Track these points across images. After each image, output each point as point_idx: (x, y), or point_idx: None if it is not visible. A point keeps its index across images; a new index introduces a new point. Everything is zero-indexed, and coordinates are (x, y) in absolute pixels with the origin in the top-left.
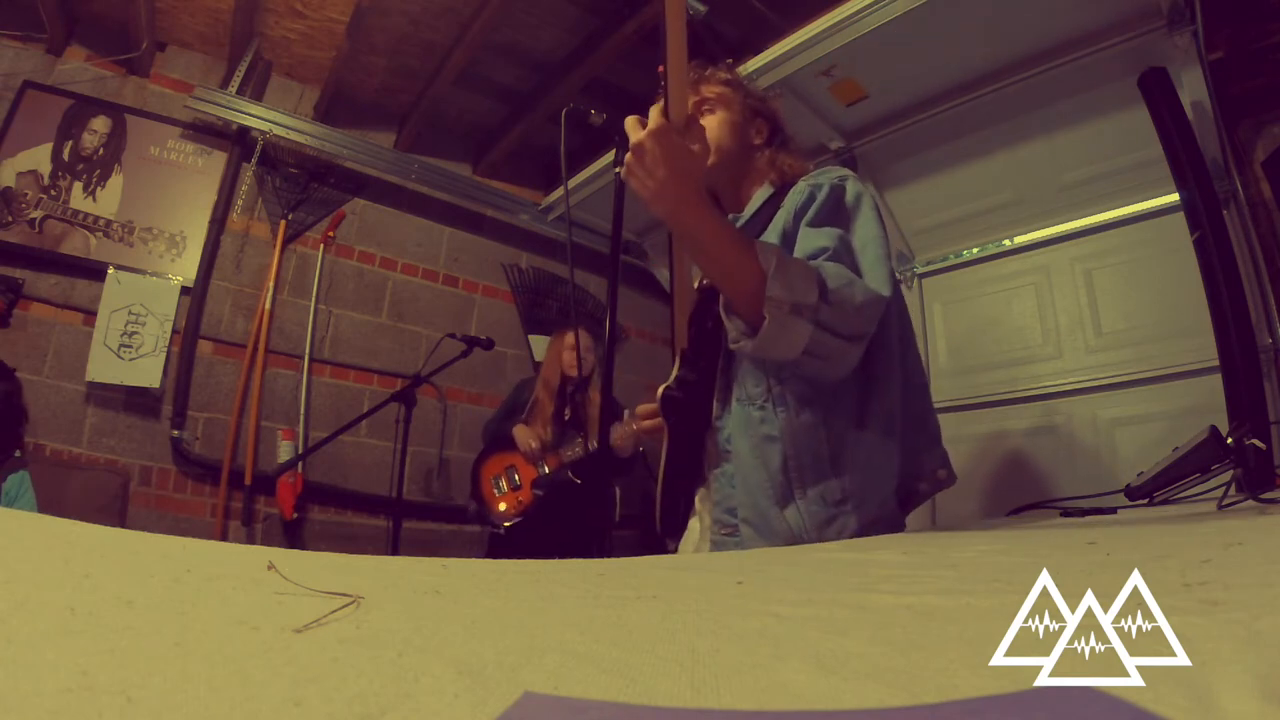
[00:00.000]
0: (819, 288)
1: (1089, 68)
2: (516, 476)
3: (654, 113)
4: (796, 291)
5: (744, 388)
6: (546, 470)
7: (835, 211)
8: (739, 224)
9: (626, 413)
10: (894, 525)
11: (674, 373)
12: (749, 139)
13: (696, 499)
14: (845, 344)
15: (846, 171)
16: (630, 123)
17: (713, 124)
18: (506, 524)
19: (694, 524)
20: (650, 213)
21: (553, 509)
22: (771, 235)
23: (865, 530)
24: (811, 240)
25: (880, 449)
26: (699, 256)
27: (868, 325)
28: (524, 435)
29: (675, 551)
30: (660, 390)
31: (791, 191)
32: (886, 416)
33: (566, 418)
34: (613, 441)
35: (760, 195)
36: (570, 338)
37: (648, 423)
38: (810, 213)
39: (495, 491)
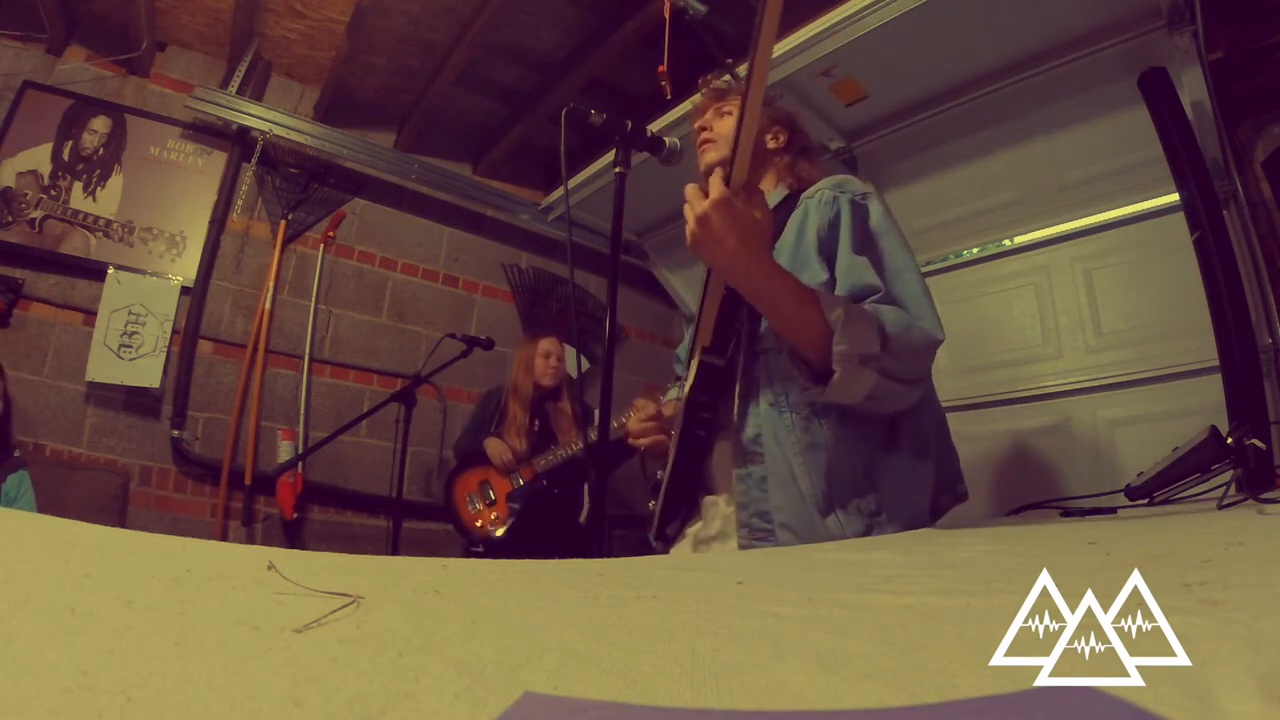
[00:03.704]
0: (880, 336)
1: (1089, 68)
2: (491, 492)
3: (715, 182)
4: (861, 343)
5: (782, 393)
6: (521, 482)
7: (866, 235)
8: None
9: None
10: None
11: (693, 371)
12: (763, 144)
13: (706, 504)
14: (905, 388)
15: (868, 188)
16: (691, 191)
17: (727, 124)
18: (481, 543)
19: (692, 530)
20: (708, 264)
21: (530, 522)
22: (789, 235)
23: None
24: (860, 274)
25: (914, 466)
26: (769, 313)
27: (925, 368)
28: (496, 448)
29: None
30: (688, 386)
31: (814, 199)
32: (918, 435)
33: (536, 428)
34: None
35: (775, 197)
36: (544, 345)
37: (644, 440)
38: (844, 233)
39: (471, 509)
